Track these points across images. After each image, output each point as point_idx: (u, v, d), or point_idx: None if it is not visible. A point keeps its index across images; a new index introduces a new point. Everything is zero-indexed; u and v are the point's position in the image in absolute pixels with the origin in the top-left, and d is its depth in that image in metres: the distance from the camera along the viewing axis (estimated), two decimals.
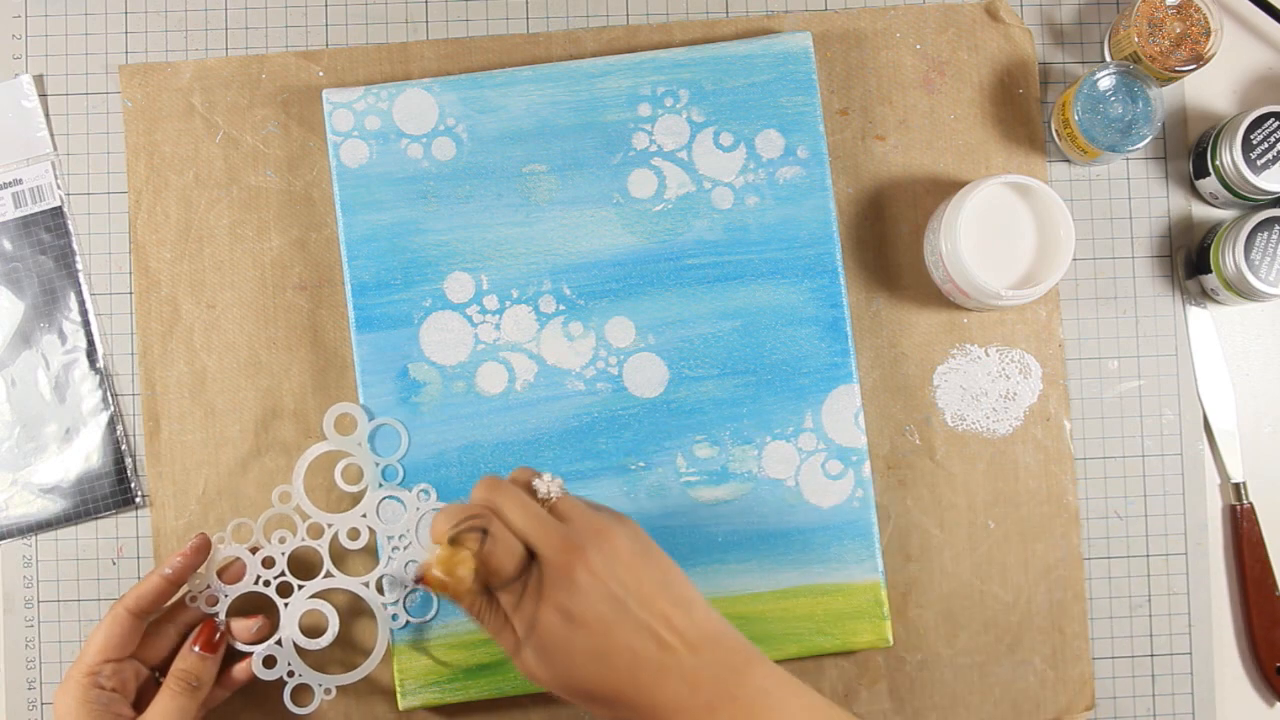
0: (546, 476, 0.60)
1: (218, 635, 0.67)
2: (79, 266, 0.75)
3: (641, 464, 0.72)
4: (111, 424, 0.74)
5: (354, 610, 0.73)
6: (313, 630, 0.71)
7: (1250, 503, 0.75)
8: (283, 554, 0.70)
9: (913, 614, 0.74)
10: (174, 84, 0.76)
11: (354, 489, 0.72)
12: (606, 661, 0.56)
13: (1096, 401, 0.76)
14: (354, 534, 0.71)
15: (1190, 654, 0.75)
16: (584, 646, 0.56)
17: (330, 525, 0.71)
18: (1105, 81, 0.72)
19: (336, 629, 0.71)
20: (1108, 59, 0.77)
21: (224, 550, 0.70)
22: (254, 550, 0.70)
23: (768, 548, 0.72)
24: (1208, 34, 0.73)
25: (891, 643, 0.72)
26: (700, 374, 0.73)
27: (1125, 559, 0.75)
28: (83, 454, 0.74)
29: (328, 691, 0.71)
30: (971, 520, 0.75)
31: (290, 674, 0.70)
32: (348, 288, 0.72)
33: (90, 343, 0.75)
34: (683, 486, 0.72)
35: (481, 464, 0.72)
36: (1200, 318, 0.77)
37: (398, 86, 0.73)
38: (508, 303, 0.73)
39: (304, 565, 0.72)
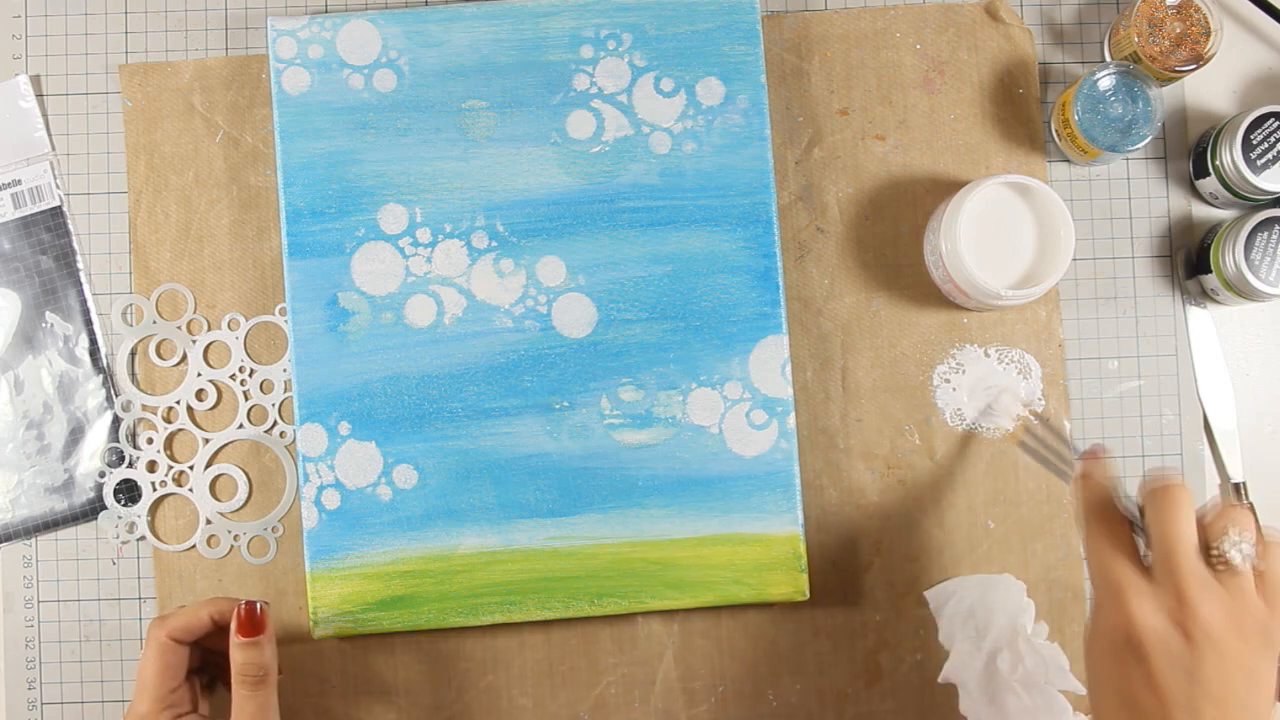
0: (1252, 535, 0.54)
1: (259, 611, 0.64)
2: (79, 266, 0.75)
3: (565, 404, 0.72)
4: (115, 423, 0.74)
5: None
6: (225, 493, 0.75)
7: (1250, 503, 0.75)
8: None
9: (913, 613, 0.74)
10: (174, 84, 0.76)
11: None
12: (1139, 715, 0.52)
13: (1096, 401, 0.76)
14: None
15: None
16: (1128, 689, 0.53)
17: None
18: (1105, 81, 0.72)
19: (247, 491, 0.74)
20: (1108, 59, 0.77)
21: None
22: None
23: (688, 494, 0.72)
24: (1208, 34, 0.73)
25: (808, 596, 0.72)
26: (629, 317, 0.73)
27: None
28: (86, 454, 0.74)
29: (236, 537, 0.74)
30: (971, 520, 0.75)
31: (208, 522, 0.74)
32: (282, 214, 0.72)
33: (92, 343, 0.75)
34: (605, 429, 0.72)
35: (405, 395, 0.72)
36: (1200, 318, 0.77)
37: (342, 17, 0.73)
38: (440, 236, 0.73)
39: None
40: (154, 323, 0.75)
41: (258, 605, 0.64)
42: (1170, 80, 0.74)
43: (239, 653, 0.64)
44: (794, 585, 0.72)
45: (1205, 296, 0.76)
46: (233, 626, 0.64)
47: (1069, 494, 0.54)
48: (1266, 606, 0.53)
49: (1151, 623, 0.52)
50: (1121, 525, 0.56)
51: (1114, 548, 0.55)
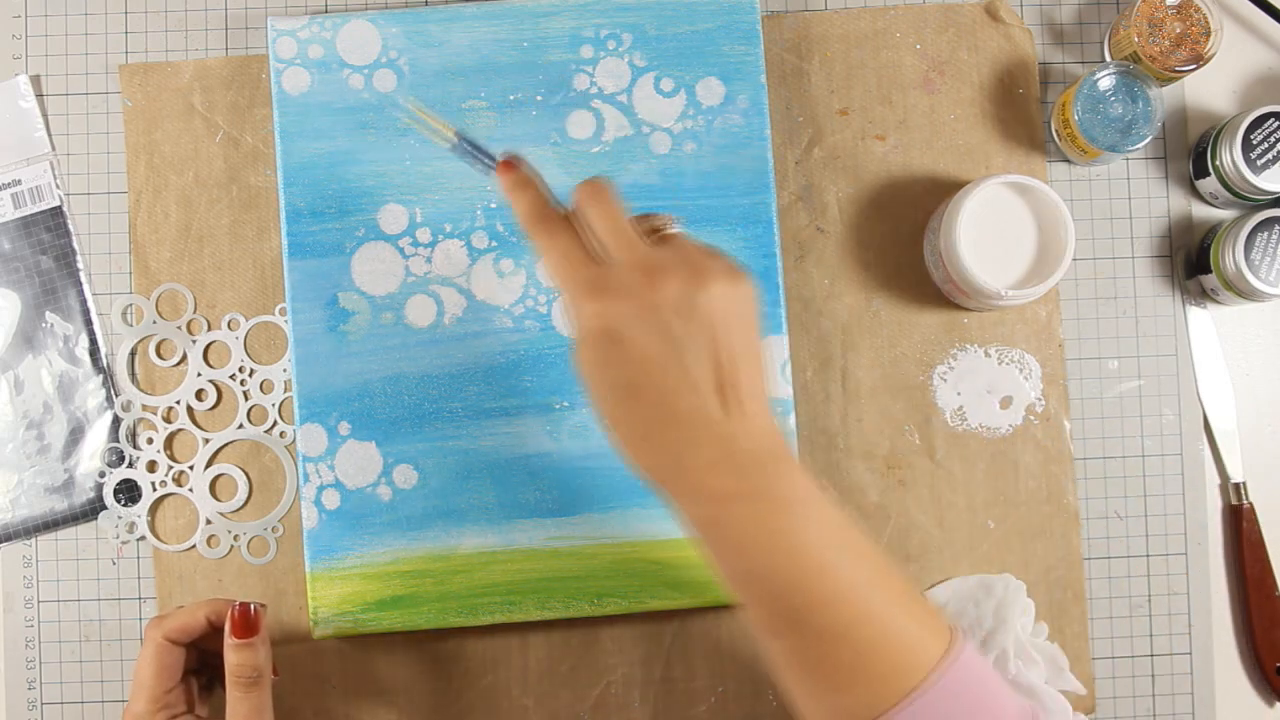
0: (670, 216, 0.56)
1: (253, 613, 0.64)
2: (79, 266, 0.75)
3: (565, 403, 0.72)
4: (115, 423, 0.74)
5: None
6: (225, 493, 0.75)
7: (1250, 503, 0.75)
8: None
9: None
10: (174, 84, 0.76)
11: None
12: (635, 395, 0.51)
13: (1096, 401, 0.76)
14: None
15: (1190, 654, 0.75)
16: (617, 373, 0.52)
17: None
18: (1105, 81, 0.72)
19: (247, 491, 0.74)
20: (1108, 59, 0.77)
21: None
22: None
23: None
24: (1208, 34, 0.73)
25: None
26: None
27: (1125, 559, 0.75)
28: (86, 454, 0.74)
29: (236, 537, 0.74)
30: (971, 520, 0.75)
31: (208, 522, 0.74)
32: (282, 214, 0.72)
33: (92, 343, 0.75)
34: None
35: (405, 395, 0.72)
36: (1200, 318, 0.77)
37: (342, 17, 0.73)
38: (440, 236, 0.73)
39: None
40: (154, 323, 0.75)
41: (251, 607, 0.64)
42: (1170, 80, 0.74)
43: (233, 654, 0.64)
44: None
45: (1205, 296, 0.76)
46: (226, 628, 0.64)
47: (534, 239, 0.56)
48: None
49: (621, 304, 0.51)
50: (564, 225, 0.55)
51: (564, 248, 0.54)
